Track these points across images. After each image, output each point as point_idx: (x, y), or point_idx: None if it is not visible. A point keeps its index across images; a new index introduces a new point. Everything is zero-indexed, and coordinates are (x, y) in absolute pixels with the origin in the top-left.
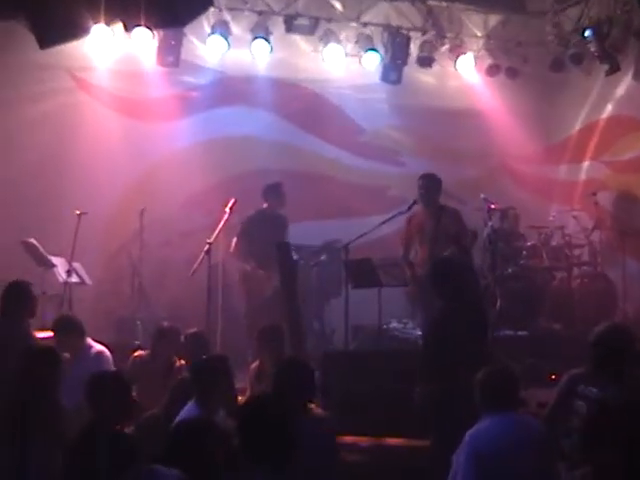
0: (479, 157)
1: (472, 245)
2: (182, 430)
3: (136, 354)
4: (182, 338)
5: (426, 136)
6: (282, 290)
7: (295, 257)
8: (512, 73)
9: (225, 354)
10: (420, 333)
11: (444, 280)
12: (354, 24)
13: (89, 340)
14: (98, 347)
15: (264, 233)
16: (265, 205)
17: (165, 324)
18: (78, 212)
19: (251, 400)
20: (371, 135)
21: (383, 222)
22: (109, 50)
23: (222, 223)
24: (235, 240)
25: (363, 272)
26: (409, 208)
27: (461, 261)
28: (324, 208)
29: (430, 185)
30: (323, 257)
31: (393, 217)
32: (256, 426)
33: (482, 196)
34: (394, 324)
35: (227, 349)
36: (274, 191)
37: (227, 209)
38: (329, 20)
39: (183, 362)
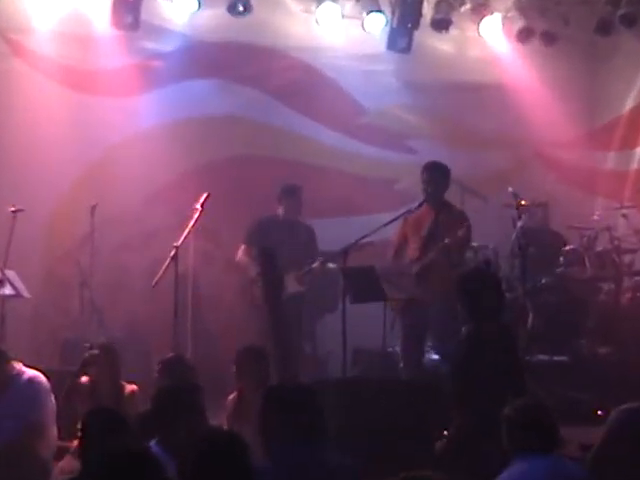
0: (507, 143)
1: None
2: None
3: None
4: (157, 367)
5: (442, 117)
6: (265, 305)
7: (332, 264)
8: (549, 38)
9: (197, 384)
10: (436, 357)
11: (466, 297)
12: None
13: (19, 366)
14: (30, 372)
15: (280, 245)
16: (280, 210)
17: (101, 341)
18: (13, 208)
19: (204, 435)
20: (375, 116)
21: (388, 222)
22: (51, 8)
23: (192, 222)
24: (243, 247)
25: (364, 283)
26: (419, 206)
27: (486, 274)
28: (317, 204)
29: (435, 179)
30: (315, 264)
31: (400, 217)
32: (209, 467)
33: (510, 190)
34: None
35: (199, 379)
36: (292, 195)
37: (198, 205)
38: None
39: (135, 387)
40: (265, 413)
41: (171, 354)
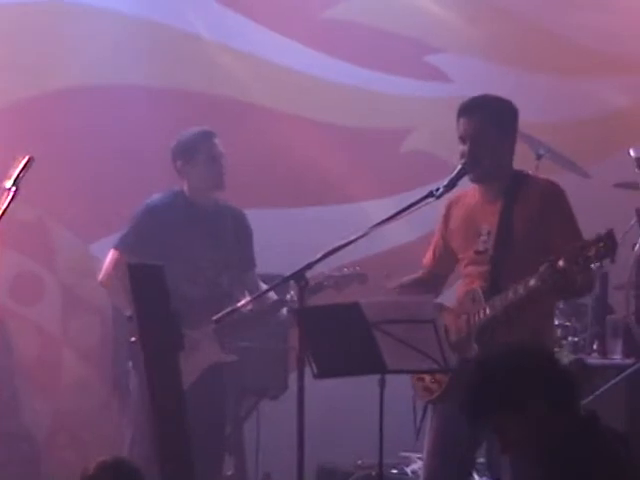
0: (626, 64)
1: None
2: None
3: None
4: None
5: (496, 9)
6: (146, 381)
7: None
8: None
9: None
10: None
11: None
12: None
13: None
14: None
15: (186, 247)
16: (185, 185)
17: None
18: None
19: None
20: (359, 4)
21: (387, 219)
22: None
23: None
24: (114, 255)
25: (340, 339)
26: (451, 184)
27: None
28: (254, 183)
29: (486, 131)
30: (244, 300)
31: (414, 205)
32: None
33: (632, 154)
34: (416, 465)
35: None
36: (204, 148)
37: (9, 184)
38: None
39: None
40: None
41: None
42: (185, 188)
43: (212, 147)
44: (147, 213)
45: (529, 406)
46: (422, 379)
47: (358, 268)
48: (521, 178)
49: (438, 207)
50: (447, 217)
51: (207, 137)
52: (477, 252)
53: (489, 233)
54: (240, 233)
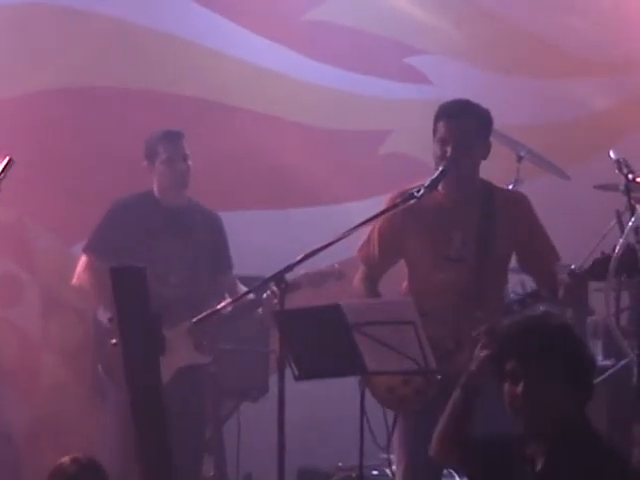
0: (608, 64)
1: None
2: None
3: None
4: None
5: (478, 11)
6: (127, 384)
7: (265, 294)
8: None
9: None
10: None
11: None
12: None
13: None
14: None
15: (154, 245)
16: (155, 187)
17: None
18: None
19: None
20: (338, 4)
21: (368, 220)
22: None
23: None
24: (83, 258)
25: (321, 340)
26: (432, 186)
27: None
28: (247, 186)
29: (465, 135)
30: (225, 302)
31: (395, 207)
32: None
33: (613, 156)
34: None
35: None
36: (171, 148)
37: None
38: None
39: None
40: None
41: None
42: (155, 188)
43: (172, 148)
44: (113, 212)
45: (546, 377)
46: (391, 390)
47: (336, 265)
48: (488, 186)
49: None
50: (402, 217)
51: (166, 138)
52: (449, 259)
53: (463, 240)
54: (216, 236)
